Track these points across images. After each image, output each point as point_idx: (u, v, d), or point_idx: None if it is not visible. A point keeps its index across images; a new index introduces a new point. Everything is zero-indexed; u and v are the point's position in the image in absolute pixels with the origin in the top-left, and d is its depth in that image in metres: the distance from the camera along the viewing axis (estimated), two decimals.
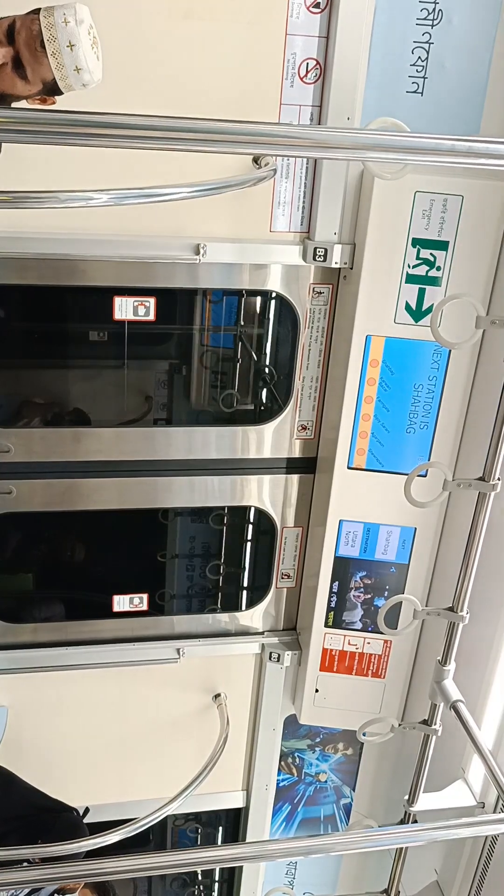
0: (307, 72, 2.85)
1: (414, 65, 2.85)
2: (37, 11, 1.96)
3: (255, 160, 2.93)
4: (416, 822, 3.06)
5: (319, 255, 3.04)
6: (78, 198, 2.43)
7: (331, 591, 3.42)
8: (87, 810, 3.55)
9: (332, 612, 3.46)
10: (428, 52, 2.85)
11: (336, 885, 4.35)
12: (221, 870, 4.66)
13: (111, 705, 3.74)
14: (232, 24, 2.74)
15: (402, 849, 3.25)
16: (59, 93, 2.02)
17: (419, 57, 2.86)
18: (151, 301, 3.15)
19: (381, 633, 3.40)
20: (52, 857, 3.04)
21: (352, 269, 3.05)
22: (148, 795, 3.61)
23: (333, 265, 3.06)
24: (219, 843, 4.51)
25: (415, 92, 2.89)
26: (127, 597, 3.64)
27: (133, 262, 3.05)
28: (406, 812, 3.05)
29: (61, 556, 4.07)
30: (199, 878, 4.88)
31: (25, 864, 3.15)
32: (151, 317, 3.18)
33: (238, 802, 4.15)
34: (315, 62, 2.84)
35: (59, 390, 3.89)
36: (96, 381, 4.08)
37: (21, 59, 1.95)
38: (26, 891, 3.35)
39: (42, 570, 4.05)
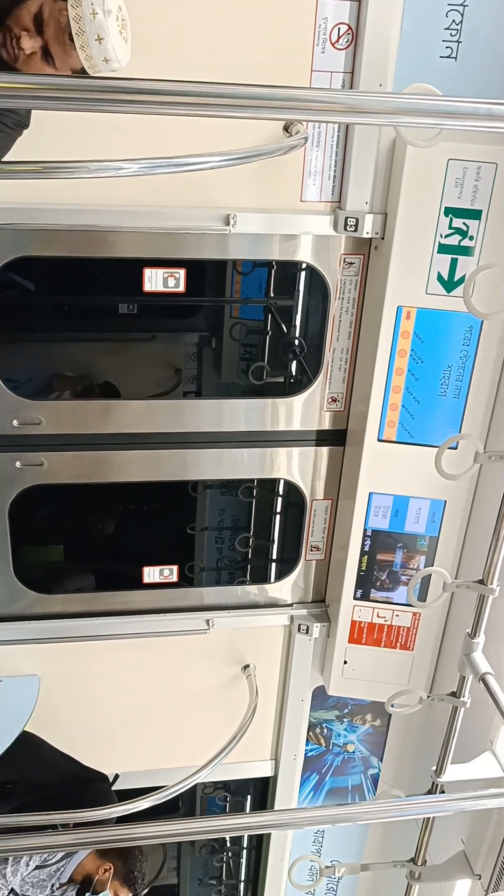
0: (339, 37, 2.81)
1: (448, 28, 2.79)
2: None
3: (286, 128, 2.90)
4: (443, 792, 3.07)
5: (350, 225, 3.01)
6: (108, 167, 2.41)
7: (360, 564, 3.42)
8: (116, 777, 3.61)
9: (361, 585, 3.47)
10: (462, 16, 2.79)
11: (362, 854, 4.40)
12: (250, 837, 4.73)
13: (141, 675, 3.78)
14: None
15: (428, 819, 3.27)
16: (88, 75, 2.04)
17: (453, 20, 2.79)
18: (181, 272, 3.14)
19: (410, 605, 3.41)
20: (82, 823, 3.10)
21: (383, 239, 3.01)
22: (177, 764, 3.66)
23: (365, 235, 3.02)
24: (247, 811, 4.56)
25: (448, 57, 2.83)
26: (157, 568, 3.67)
27: (162, 233, 3.04)
28: (433, 782, 3.07)
29: (91, 527, 4.10)
30: (228, 845, 4.96)
31: (59, 827, 3.22)
32: (181, 288, 3.16)
33: (266, 772, 4.20)
34: (347, 27, 2.79)
35: (89, 363, 3.90)
36: (126, 354, 4.09)
37: (50, 50, 1.98)
38: (59, 855, 3.42)
39: (72, 541, 4.09)
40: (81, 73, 2.03)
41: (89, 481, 3.45)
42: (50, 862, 3.39)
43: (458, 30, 2.81)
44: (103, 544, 4.11)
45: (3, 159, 2.39)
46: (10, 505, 3.35)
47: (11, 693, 3.53)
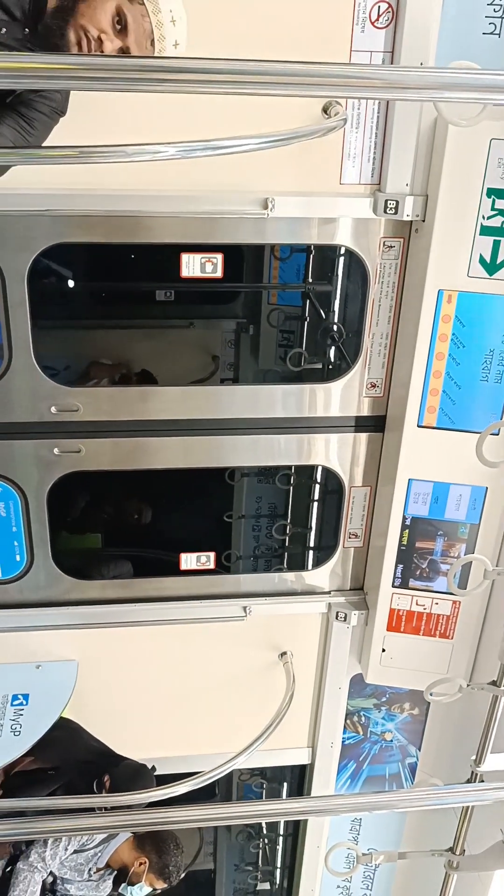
0: (378, 15, 2.76)
1: (491, 4, 2.72)
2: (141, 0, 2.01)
3: (325, 110, 2.86)
4: (482, 781, 3.04)
5: (390, 208, 2.96)
6: (145, 151, 2.39)
7: (399, 551, 3.39)
8: (153, 768, 3.64)
9: (400, 572, 3.43)
10: None
11: (400, 843, 4.38)
12: (286, 824, 4.73)
13: (178, 661, 3.80)
14: None
15: (467, 808, 3.23)
16: None
17: None
18: (219, 257, 3.12)
19: (450, 593, 3.37)
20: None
21: (424, 221, 2.96)
22: (213, 750, 3.67)
23: (405, 218, 2.97)
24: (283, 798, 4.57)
25: (492, 33, 2.76)
26: (194, 555, 3.67)
27: (200, 217, 3.03)
28: (473, 772, 3.03)
29: (128, 514, 4.13)
30: (264, 831, 4.97)
31: (96, 810, 3.25)
32: (219, 273, 3.14)
33: (303, 759, 4.19)
34: (387, 5, 2.74)
35: (127, 350, 3.92)
36: (163, 341, 4.10)
37: (129, 52, 2.04)
38: (96, 840, 3.46)
39: (110, 527, 4.12)
40: None
41: (126, 468, 3.46)
42: (88, 847, 3.44)
43: (501, 5, 2.74)
44: (140, 531, 4.13)
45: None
46: (48, 491, 3.37)
47: (50, 678, 3.56)
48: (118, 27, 2.03)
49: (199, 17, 2.58)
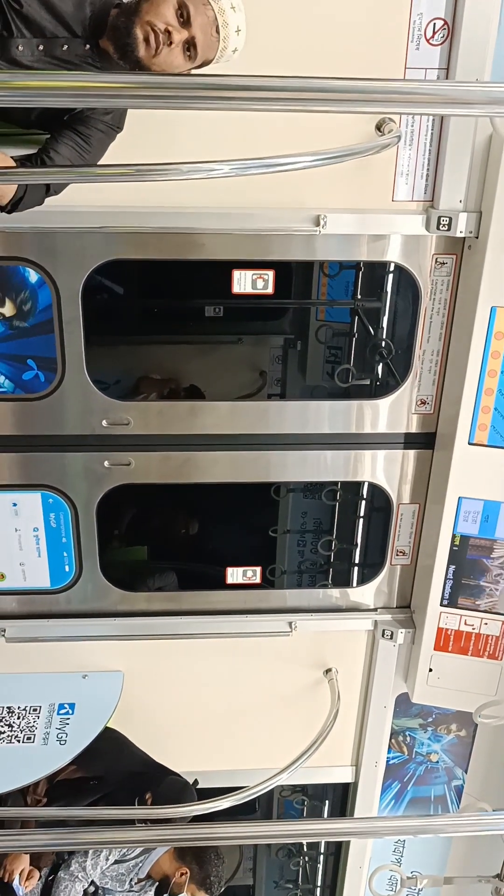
0: (434, 33, 2.76)
1: None
2: None
3: (378, 127, 2.87)
4: None
5: (444, 225, 2.95)
6: (200, 169, 2.42)
7: (447, 570, 3.35)
8: (195, 782, 3.63)
9: (449, 591, 3.39)
10: None
11: (445, 867, 4.30)
12: (328, 844, 4.68)
13: (223, 675, 3.79)
14: None
15: None
16: (199, 69, 2.23)
17: None
18: (270, 274, 3.14)
19: (500, 613, 3.32)
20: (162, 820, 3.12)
21: (477, 238, 2.95)
22: (256, 765, 3.66)
23: (458, 234, 2.96)
24: (325, 816, 4.52)
25: None
26: (240, 569, 3.67)
27: (251, 234, 3.05)
28: None
29: (176, 527, 4.14)
30: (305, 849, 4.92)
31: (137, 823, 3.25)
32: (270, 290, 3.16)
33: (347, 777, 4.15)
34: (443, 22, 2.74)
35: (176, 365, 3.94)
36: (212, 356, 4.12)
37: (195, 43, 2.14)
38: (137, 850, 3.46)
39: (157, 540, 4.14)
40: (207, 64, 2.23)
41: (175, 481, 3.48)
42: (128, 857, 3.44)
43: None
44: (187, 544, 4.14)
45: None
46: (98, 503, 3.40)
47: (96, 688, 3.59)
48: (181, 20, 2.12)
49: (256, 35, 2.61)
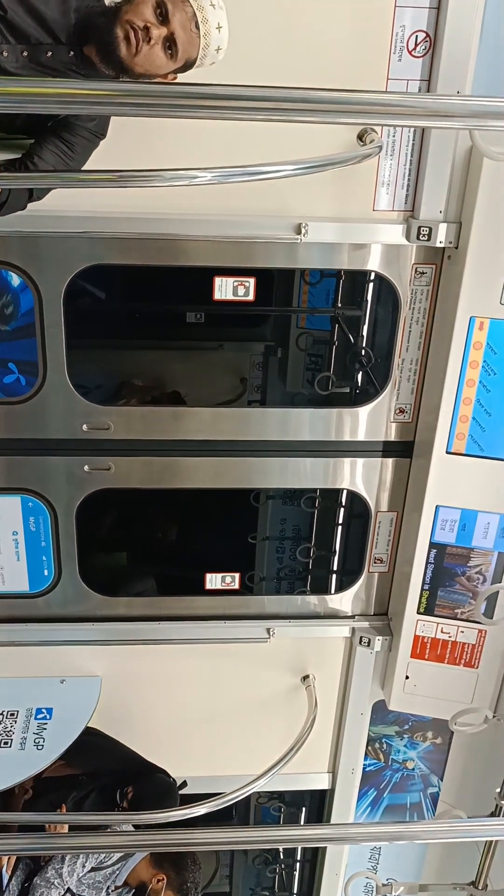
0: (416, 45, 2.79)
1: None
2: None
3: (360, 137, 2.89)
4: None
5: (423, 235, 2.98)
6: (183, 176, 2.43)
7: (425, 578, 3.37)
8: (184, 783, 3.63)
9: (426, 599, 3.41)
10: None
11: (420, 874, 4.31)
12: (304, 850, 4.68)
13: (201, 681, 3.79)
14: None
15: (491, 842, 3.19)
16: (184, 71, 2.24)
17: None
18: (251, 281, 3.15)
19: (476, 622, 3.34)
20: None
21: (457, 248, 2.98)
22: (233, 772, 3.65)
23: (438, 244, 2.99)
24: (301, 823, 4.53)
25: None
26: (219, 575, 3.67)
27: (233, 241, 3.06)
28: (497, 804, 2.99)
29: (156, 532, 4.14)
30: (282, 857, 4.92)
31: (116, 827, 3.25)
32: (251, 297, 3.17)
33: (323, 784, 4.16)
34: (425, 34, 2.77)
35: (157, 370, 3.95)
36: (193, 362, 4.13)
37: (175, 39, 2.16)
38: (114, 858, 3.45)
39: (136, 545, 4.14)
40: (191, 64, 2.23)
41: (154, 486, 3.48)
42: (106, 864, 3.43)
43: None
44: (167, 549, 4.14)
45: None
46: (77, 508, 3.40)
47: (74, 693, 3.57)
48: (160, 17, 2.15)
49: (240, 45, 2.63)
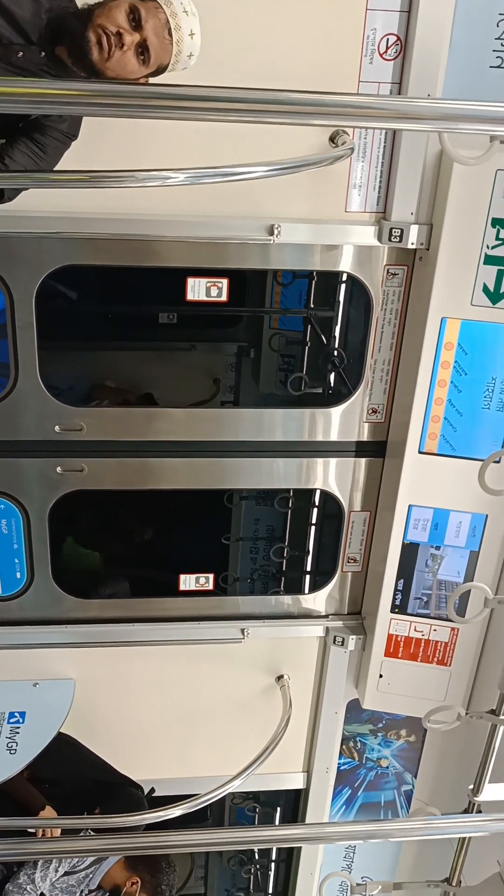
0: (387, 48, 2.81)
1: (499, 38, 2.78)
2: None
3: (332, 139, 2.90)
4: (480, 812, 3.02)
5: (395, 236, 3.00)
6: (155, 177, 2.43)
7: (398, 577, 3.39)
8: (152, 790, 3.61)
9: (399, 598, 3.43)
10: None
11: (395, 872, 4.34)
12: (279, 850, 4.69)
13: (175, 682, 3.79)
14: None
15: (464, 838, 3.21)
16: (155, 76, 2.22)
17: None
18: (224, 282, 3.15)
19: (448, 620, 3.37)
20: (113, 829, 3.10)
21: (428, 249, 3.00)
22: (208, 773, 3.66)
23: (409, 246, 3.01)
24: (277, 823, 4.53)
25: (499, 67, 2.81)
26: (193, 576, 3.67)
27: (206, 242, 3.06)
28: (470, 801, 3.01)
29: (129, 533, 4.12)
30: (257, 857, 4.92)
31: (88, 832, 3.22)
32: (224, 298, 3.18)
33: (298, 784, 4.17)
34: (395, 38, 2.79)
35: (130, 371, 3.93)
36: (166, 363, 4.11)
37: (147, 45, 2.14)
38: (88, 861, 3.42)
39: (110, 546, 4.11)
40: (163, 69, 2.22)
41: (128, 488, 3.47)
42: (79, 868, 3.40)
43: None
44: (140, 551, 4.12)
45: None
46: (50, 509, 3.38)
47: (47, 696, 3.55)
48: (133, 23, 2.13)
49: (212, 47, 2.63)
